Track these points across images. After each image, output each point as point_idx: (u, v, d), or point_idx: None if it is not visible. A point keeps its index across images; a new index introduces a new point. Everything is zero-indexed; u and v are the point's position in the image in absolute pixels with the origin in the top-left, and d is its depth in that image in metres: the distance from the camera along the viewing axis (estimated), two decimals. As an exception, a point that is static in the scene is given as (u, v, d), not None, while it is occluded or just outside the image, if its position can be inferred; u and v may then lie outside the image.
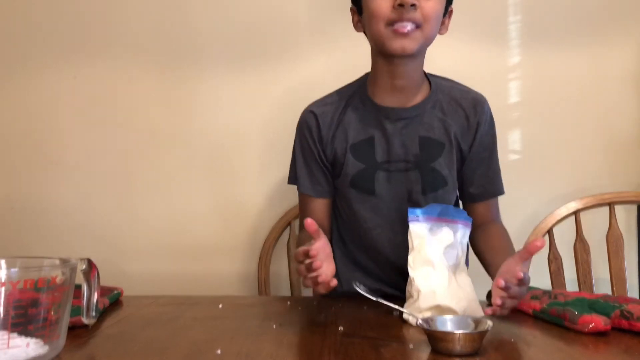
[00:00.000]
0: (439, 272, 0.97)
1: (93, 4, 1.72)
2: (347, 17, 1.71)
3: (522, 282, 0.86)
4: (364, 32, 1.13)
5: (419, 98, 1.14)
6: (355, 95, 1.18)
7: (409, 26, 1.00)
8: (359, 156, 1.14)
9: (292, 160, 1.24)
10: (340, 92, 1.21)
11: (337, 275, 1.22)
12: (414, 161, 1.13)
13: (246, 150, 1.71)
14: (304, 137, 1.19)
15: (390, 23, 1.01)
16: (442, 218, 1.03)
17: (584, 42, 1.70)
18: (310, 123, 1.18)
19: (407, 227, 1.01)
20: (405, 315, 0.95)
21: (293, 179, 1.24)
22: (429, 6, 1.01)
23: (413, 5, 0.98)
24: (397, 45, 1.02)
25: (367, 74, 1.19)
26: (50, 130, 1.72)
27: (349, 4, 1.13)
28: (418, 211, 1.02)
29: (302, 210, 1.25)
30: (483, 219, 1.20)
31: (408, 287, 0.99)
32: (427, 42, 1.07)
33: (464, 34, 1.70)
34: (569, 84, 1.70)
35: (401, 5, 0.98)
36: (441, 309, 0.93)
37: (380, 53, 1.09)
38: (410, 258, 0.99)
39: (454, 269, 0.99)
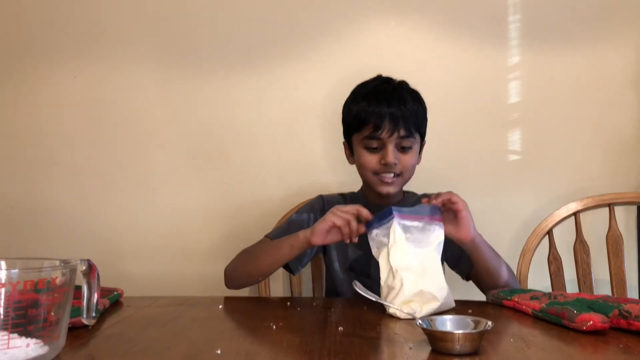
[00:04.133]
0: (417, 262, 1.03)
1: (93, 4, 1.73)
2: (347, 18, 1.72)
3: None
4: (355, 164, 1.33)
5: (399, 198, 1.37)
6: (355, 197, 1.39)
7: (391, 176, 1.25)
8: (359, 243, 1.17)
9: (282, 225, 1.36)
10: (342, 195, 1.42)
11: (337, 285, 1.36)
12: None
13: (246, 150, 1.71)
14: (307, 211, 1.35)
15: (377, 173, 1.26)
16: (418, 215, 1.09)
17: (584, 42, 1.70)
18: (315, 206, 1.37)
19: None
20: (392, 310, 0.99)
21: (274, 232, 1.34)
22: (406, 159, 1.25)
23: (395, 163, 1.23)
24: (383, 190, 1.26)
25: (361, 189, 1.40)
26: (51, 130, 1.72)
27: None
28: (405, 210, 1.08)
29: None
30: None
31: (388, 281, 1.03)
32: (406, 182, 1.31)
33: (464, 34, 1.70)
34: (568, 84, 1.70)
35: (385, 164, 1.23)
36: (424, 294, 0.98)
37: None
38: (392, 252, 1.04)
39: (427, 261, 1.05)
